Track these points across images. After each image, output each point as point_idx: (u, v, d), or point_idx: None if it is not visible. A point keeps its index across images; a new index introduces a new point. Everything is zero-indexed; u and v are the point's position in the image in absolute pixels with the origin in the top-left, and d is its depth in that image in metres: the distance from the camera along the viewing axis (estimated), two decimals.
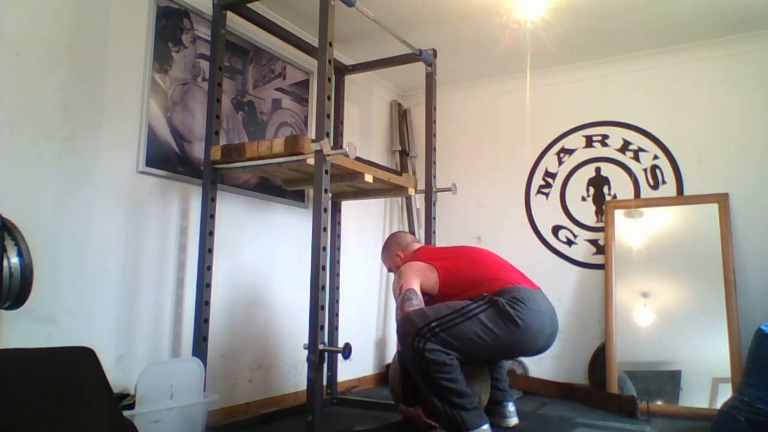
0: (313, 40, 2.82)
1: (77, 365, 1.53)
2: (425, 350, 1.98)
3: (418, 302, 2.12)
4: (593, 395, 2.98)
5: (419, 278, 2.20)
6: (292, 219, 3.02)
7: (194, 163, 2.47)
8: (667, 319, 3.04)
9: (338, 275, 3.05)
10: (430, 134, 2.94)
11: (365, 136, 3.69)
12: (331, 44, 2.12)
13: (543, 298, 2.22)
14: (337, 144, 3.07)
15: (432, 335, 2.00)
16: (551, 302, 2.29)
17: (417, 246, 2.53)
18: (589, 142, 3.51)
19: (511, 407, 2.42)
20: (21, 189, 1.87)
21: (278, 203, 2.93)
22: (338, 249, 3.09)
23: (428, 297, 2.23)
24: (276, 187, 2.87)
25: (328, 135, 2.07)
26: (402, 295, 2.15)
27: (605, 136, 3.46)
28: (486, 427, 2.06)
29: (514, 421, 2.41)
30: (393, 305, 3.80)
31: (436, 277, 2.23)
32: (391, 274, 3.80)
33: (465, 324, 2.02)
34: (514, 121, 3.73)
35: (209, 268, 2.31)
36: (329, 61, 2.10)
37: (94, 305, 2.07)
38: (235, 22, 2.58)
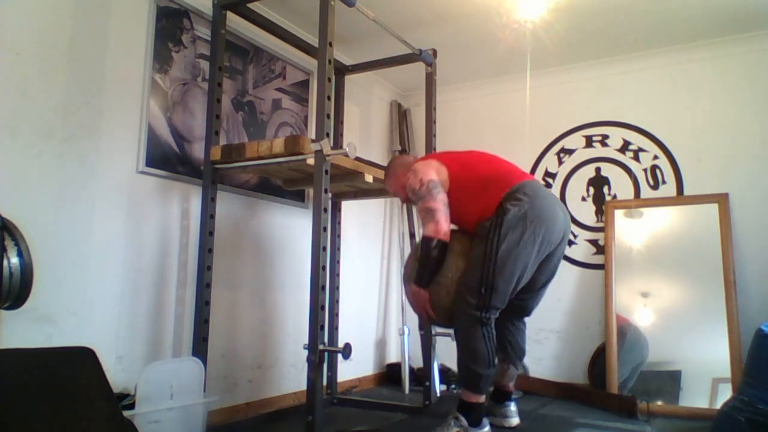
0: (313, 40, 2.82)
1: (77, 365, 1.54)
2: (482, 335, 2.12)
3: (442, 197, 2.17)
4: (593, 395, 2.98)
5: (434, 173, 2.22)
6: (292, 219, 3.02)
7: (194, 163, 2.47)
8: (667, 319, 3.04)
9: (338, 275, 3.05)
10: (430, 134, 2.94)
11: (365, 136, 3.69)
12: (331, 44, 2.12)
13: (542, 186, 2.30)
14: (337, 144, 3.07)
15: (488, 301, 2.11)
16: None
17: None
18: (589, 142, 3.51)
19: (513, 407, 2.43)
20: (21, 189, 1.87)
21: (278, 203, 2.93)
22: (338, 249, 3.09)
23: None
24: (276, 187, 2.87)
25: (328, 135, 2.07)
26: (425, 186, 2.17)
27: (605, 136, 3.46)
28: (487, 429, 2.15)
29: (515, 421, 2.42)
30: (393, 305, 3.80)
31: (446, 174, 2.24)
32: (391, 274, 3.80)
33: (497, 266, 2.09)
34: (514, 121, 3.73)
35: (209, 268, 2.31)
36: (329, 61, 2.10)
37: (94, 305, 2.07)
38: (235, 22, 2.59)
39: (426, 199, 2.18)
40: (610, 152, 3.44)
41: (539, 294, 2.39)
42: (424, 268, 2.20)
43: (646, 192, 3.30)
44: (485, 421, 2.17)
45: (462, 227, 2.30)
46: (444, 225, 2.15)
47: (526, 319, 2.49)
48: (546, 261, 2.24)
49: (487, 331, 2.14)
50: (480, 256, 2.14)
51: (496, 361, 2.22)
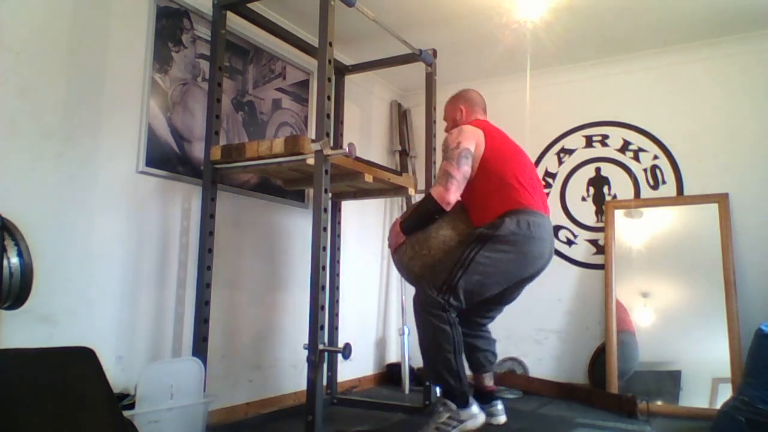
0: (313, 40, 2.82)
1: (77, 365, 1.54)
2: (446, 318, 2.14)
3: (466, 169, 2.20)
4: (593, 395, 2.98)
5: (473, 147, 2.25)
6: (292, 219, 3.02)
7: (194, 163, 2.47)
8: (667, 319, 3.04)
9: (338, 275, 3.05)
10: (430, 134, 2.94)
11: (365, 136, 3.69)
12: (331, 44, 2.12)
13: (548, 224, 2.29)
14: (337, 144, 3.07)
15: (447, 299, 2.14)
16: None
17: (481, 117, 2.53)
18: (589, 142, 3.51)
19: (499, 406, 2.45)
20: (21, 189, 1.87)
21: (278, 203, 2.93)
22: (338, 249, 3.09)
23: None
24: (276, 187, 2.87)
25: (328, 135, 2.07)
26: (459, 150, 2.21)
27: (605, 136, 3.46)
28: (476, 408, 2.19)
29: (503, 419, 2.43)
30: (393, 305, 3.80)
31: (482, 153, 2.26)
32: (391, 274, 3.80)
33: (467, 273, 2.13)
34: (514, 121, 3.72)
35: (209, 268, 2.31)
36: (329, 61, 2.10)
37: (94, 305, 2.07)
38: (235, 22, 2.58)
39: (450, 162, 2.21)
40: (610, 152, 3.44)
41: (501, 308, 2.48)
42: (413, 219, 2.30)
43: (646, 192, 3.30)
44: (472, 399, 2.18)
45: (467, 211, 2.32)
46: (451, 195, 2.18)
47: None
48: (515, 285, 2.30)
49: (450, 316, 2.15)
50: (455, 257, 2.17)
51: (466, 365, 2.23)
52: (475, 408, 2.17)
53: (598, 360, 3.14)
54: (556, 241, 3.47)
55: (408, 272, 2.38)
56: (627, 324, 3.11)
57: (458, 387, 2.15)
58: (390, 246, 2.43)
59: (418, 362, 3.20)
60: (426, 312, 2.17)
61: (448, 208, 2.19)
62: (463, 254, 2.15)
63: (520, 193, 2.23)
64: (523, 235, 2.15)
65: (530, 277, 2.30)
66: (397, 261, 2.41)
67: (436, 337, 2.14)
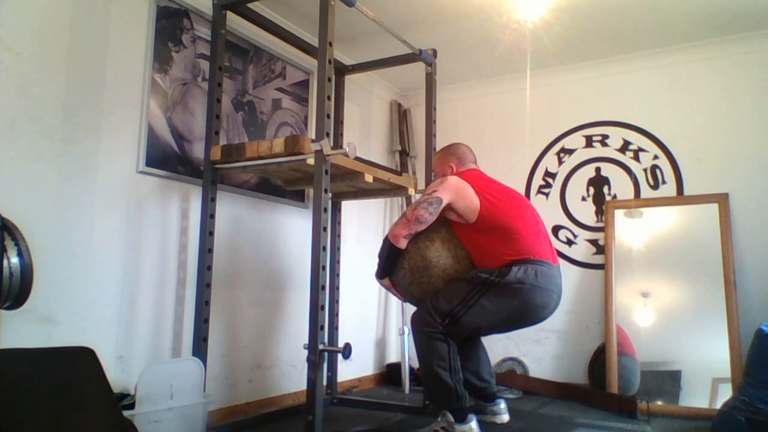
0: (313, 40, 2.82)
1: (77, 365, 1.54)
2: (441, 337, 2.19)
3: (428, 217, 2.21)
4: (593, 395, 2.98)
5: (455, 197, 2.25)
6: (292, 219, 3.02)
7: (194, 163, 2.47)
8: (667, 319, 3.04)
9: (338, 275, 3.05)
10: (430, 134, 2.94)
11: (365, 136, 3.69)
12: (331, 44, 2.12)
13: (557, 274, 2.29)
14: (337, 144, 3.07)
15: (448, 330, 2.18)
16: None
17: (472, 167, 2.52)
18: (589, 142, 3.51)
19: (502, 404, 2.47)
20: (21, 189, 1.87)
21: (278, 203, 2.93)
22: (338, 249, 3.09)
23: (463, 221, 2.28)
24: (276, 187, 2.87)
25: (328, 135, 2.07)
26: (431, 198, 2.23)
27: (605, 136, 3.46)
28: (473, 423, 2.18)
29: (506, 417, 2.46)
30: (393, 305, 3.80)
31: (477, 205, 2.24)
32: None
33: (469, 313, 2.16)
34: (514, 121, 3.73)
35: (209, 268, 2.31)
36: (329, 61, 2.10)
37: (94, 305, 2.07)
38: (235, 22, 2.59)
39: (415, 206, 2.24)
40: (610, 152, 3.44)
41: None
42: (382, 262, 2.36)
43: (646, 192, 3.30)
44: (470, 416, 2.19)
45: (469, 253, 2.32)
46: (397, 230, 2.26)
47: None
48: (515, 328, 2.40)
49: (447, 337, 2.19)
50: (462, 293, 2.18)
51: (462, 382, 2.24)
52: (473, 425, 2.17)
53: (598, 360, 3.14)
54: (556, 242, 3.48)
55: (406, 295, 2.39)
56: (627, 347, 3.07)
57: (456, 403, 2.18)
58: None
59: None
60: (424, 330, 2.20)
61: (400, 245, 2.26)
62: (468, 295, 2.17)
63: (528, 242, 2.23)
64: (529, 284, 2.15)
65: (532, 324, 2.32)
66: (395, 283, 2.41)
67: (433, 353, 2.18)
